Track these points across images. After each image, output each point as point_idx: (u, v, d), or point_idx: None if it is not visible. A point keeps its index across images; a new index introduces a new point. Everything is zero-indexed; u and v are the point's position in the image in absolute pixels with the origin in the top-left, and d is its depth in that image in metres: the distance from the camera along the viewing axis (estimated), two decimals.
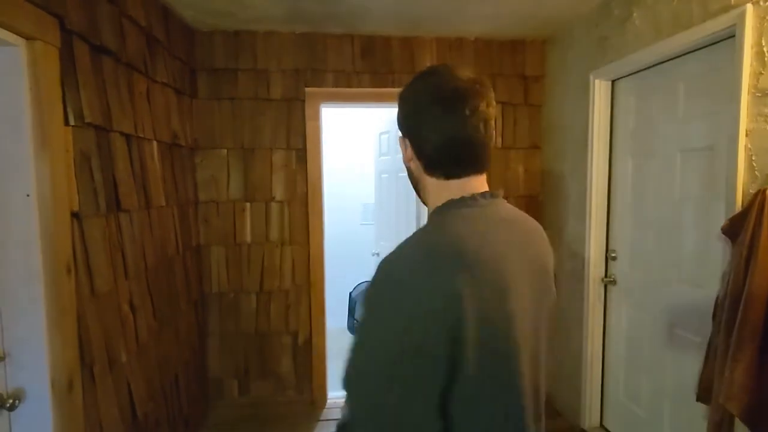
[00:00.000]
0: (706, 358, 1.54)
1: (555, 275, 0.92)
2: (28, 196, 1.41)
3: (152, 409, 2.11)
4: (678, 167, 2.04)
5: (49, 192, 1.43)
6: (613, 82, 2.47)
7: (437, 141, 0.82)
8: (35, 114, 1.40)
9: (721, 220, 1.59)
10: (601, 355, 2.59)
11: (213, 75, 2.84)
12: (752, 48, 1.56)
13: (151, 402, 2.09)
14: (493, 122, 0.85)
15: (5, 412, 1.39)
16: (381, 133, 3.78)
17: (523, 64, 3.07)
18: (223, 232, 2.93)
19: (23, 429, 1.43)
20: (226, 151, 2.90)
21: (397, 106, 0.89)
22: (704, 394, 1.53)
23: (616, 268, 2.50)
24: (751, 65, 1.57)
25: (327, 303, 3.11)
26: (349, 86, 2.96)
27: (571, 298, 2.71)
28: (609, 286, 2.55)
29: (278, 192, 2.96)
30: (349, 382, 0.73)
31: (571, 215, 2.76)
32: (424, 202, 0.92)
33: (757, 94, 1.55)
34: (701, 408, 1.65)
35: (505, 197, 0.92)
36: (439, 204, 0.84)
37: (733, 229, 1.45)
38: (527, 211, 0.95)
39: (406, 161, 0.89)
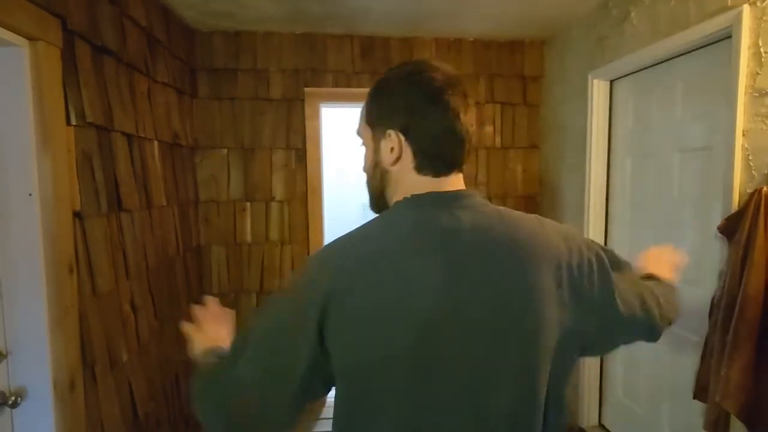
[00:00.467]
0: (703, 356, 1.56)
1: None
2: (30, 195, 1.41)
3: (153, 408, 2.12)
4: (676, 167, 2.05)
5: (51, 191, 1.44)
6: (611, 82, 2.49)
7: (437, 134, 0.78)
8: (37, 114, 1.41)
9: (718, 220, 1.61)
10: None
11: (213, 75, 2.85)
12: (749, 49, 1.57)
13: (152, 402, 2.10)
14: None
15: (7, 410, 1.40)
16: None
17: (522, 65, 3.08)
18: (223, 232, 2.94)
19: (25, 427, 1.44)
20: (226, 150, 2.91)
21: (375, 100, 0.83)
22: (701, 392, 1.55)
23: None
24: (747, 66, 1.58)
25: None
26: (349, 86, 2.97)
27: None
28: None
29: (278, 192, 2.97)
30: None
31: (570, 215, 2.77)
32: (383, 208, 0.87)
33: (754, 94, 1.56)
34: (699, 406, 1.66)
35: (504, 197, 0.92)
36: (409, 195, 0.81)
37: (729, 228, 1.47)
38: (526, 211, 0.90)
39: (387, 164, 0.81)
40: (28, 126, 1.39)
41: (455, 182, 0.82)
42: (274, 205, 2.98)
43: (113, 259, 1.79)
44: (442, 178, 0.81)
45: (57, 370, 1.46)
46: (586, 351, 0.86)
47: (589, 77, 2.50)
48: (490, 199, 0.91)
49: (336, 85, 2.96)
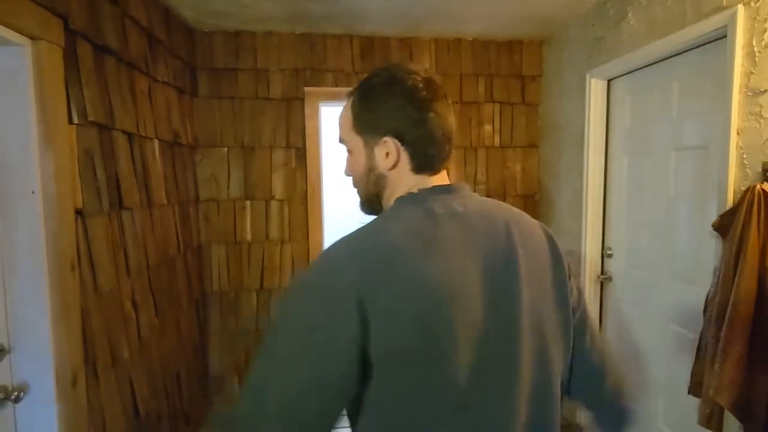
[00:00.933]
0: (698, 352, 1.57)
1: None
2: (32, 193, 1.43)
3: (154, 406, 2.13)
4: (672, 165, 2.07)
5: (53, 189, 1.46)
6: (608, 81, 2.50)
7: (431, 138, 0.82)
8: (39, 112, 1.42)
9: (714, 218, 1.62)
10: None
11: (213, 74, 2.86)
12: (743, 48, 1.59)
13: (152, 399, 2.12)
14: None
15: (10, 405, 1.42)
16: None
17: (521, 64, 3.10)
18: (223, 231, 2.96)
19: (27, 423, 1.45)
20: (226, 149, 2.93)
21: (363, 109, 0.84)
22: (696, 387, 1.57)
23: (612, 266, 2.54)
24: (742, 65, 1.60)
25: None
26: (349, 86, 2.96)
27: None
28: (605, 284, 2.58)
29: (278, 190, 2.99)
30: None
31: (568, 213, 2.79)
32: (379, 210, 0.89)
33: (749, 94, 1.58)
34: (694, 402, 1.67)
35: (503, 196, 0.94)
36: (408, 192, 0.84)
37: (723, 225, 1.48)
38: (525, 209, 0.93)
39: (384, 168, 0.83)
40: (31, 124, 1.41)
41: (444, 177, 0.87)
42: (274, 204, 3.00)
43: (114, 257, 1.81)
44: (436, 176, 0.86)
45: (59, 366, 1.48)
46: None
47: (587, 76, 2.52)
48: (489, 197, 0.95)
49: (335, 84, 2.98)
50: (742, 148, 1.60)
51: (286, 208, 3.01)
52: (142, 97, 2.10)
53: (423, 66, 0.87)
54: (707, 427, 1.48)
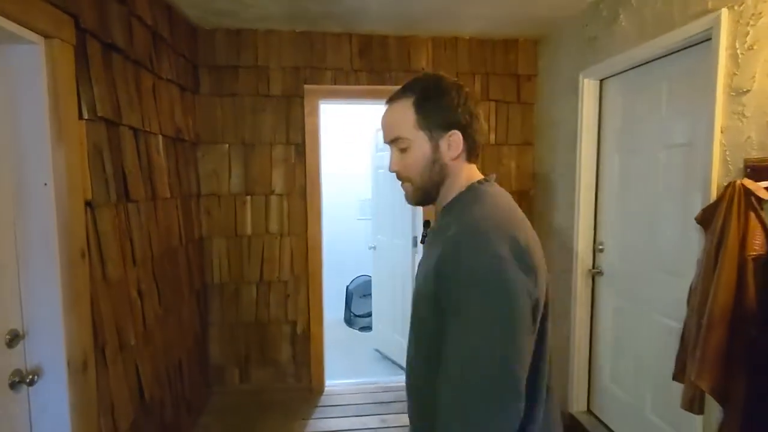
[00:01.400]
0: (682, 340, 1.65)
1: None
2: (45, 185, 1.49)
3: (158, 392, 2.20)
4: (661, 163, 2.14)
5: (65, 181, 1.52)
6: (601, 81, 2.57)
7: (481, 133, 0.99)
8: (52, 108, 1.48)
9: (698, 212, 1.69)
10: (589, 342, 2.70)
11: (215, 72, 2.92)
12: (727, 50, 1.66)
13: (156, 385, 2.18)
14: None
15: (25, 387, 1.48)
16: (378, 130, 3.86)
17: (516, 63, 3.17)
18: (224, 224, 3.02)
19: (41, 405, 1.52)
20: (227, 145, 2.99)
21: (430, 109, 0.95)
22: (680, 373, 1.64)
23: (603, 260, 2.61)
24: (726, 66, 1.67)
25: (325, 296, 3.21)
26: (347, 83, 3.05)
27: (560, 289, 2.81)
28: (596, 277, 2.65)
29: (278, 185, 3.05)
30: None
31: (561, 209, 2.87)
32: (435, 198, 1.01)
33: (732, 93, 1.65)
34: (679, 388, 1.75)
35: None
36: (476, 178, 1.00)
37: (706, 218, 1.56)
38: (519, 205, 1.00)
39: (449, 159, 0.96)
40: (44, 120, 1.47)
41: None
42: (273, 199, 3.06)
43: (121, 247, 1.87)
44: (475, 164, 1.03)
45: (71, 351, 1.55)
46: None
47: (581, 76, 2.59)
48: None
49: (335, 82, 3.04)
50: (725, 146, 1.68)
51: (285, 203, 3.08)
52: (147, 94, 2.16)
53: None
54: (689, 410, 1.55)
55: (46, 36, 1.46)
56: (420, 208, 3.23)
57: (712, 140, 1.71)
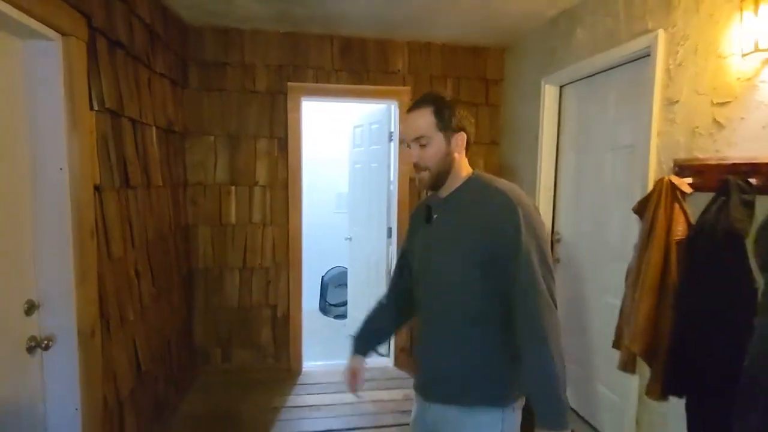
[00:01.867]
0: (621, 313, 1.92)
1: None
2: (61, 170, 1.64)
3: (152, 367, 2.35)
4: (608, 162, 2.43)
5: (78, 167, 1.67)
6: (561, 87, 2.85)
7: (473, 132, 1.32)
8: (68, 99, 1.63)
9: None
10: None
11: (203, 68, 3.07)
12: (662, 65, 1.94)
13: (151, 360, 2.34)
14: None
15: (40, 352, 1.63)
16: (355, 127, 4.06)
17: (485, 69, 3.43)
18: (209, 213, 3.17)
19: (55, 369, 1.67)
20: (213, 137, 3.14)
21: (448, 116, 1.25)
22: (618, 341, 1.92)
23: (560, 249, 2.89)
24: (661, 79, 1.95)
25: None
26: (328, 82, 3.24)
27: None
28: (554, 266, 2.93)
29: (261, 177, 3.22)
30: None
31: None
32: (444, 183, 1.30)
33: (665, 103, 1.93)
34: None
35: None
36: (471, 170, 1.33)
37: (640, 209, 1.83)
38: None
39: (452, 152, 1.26)
40: (61, 110, 1.62)
41: None
42: (257, 190, 3.23)
43: (122, 229, 2.02)
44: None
45: (81, 321, 1.70)
46: None
47: (542, 82, 2.86)
48: None
49: (316, 80, 3.23)
50: (659, 148, 1.96)
51: (268, 194, 3.25)
52: (144, 88, 2.30)
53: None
54: (624, 370, 1.83)
55: (63, 33, 1.61)
56: (394, 203, 3.45)
57: (649, 143, 1.99)
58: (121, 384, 1.99)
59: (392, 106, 3.42)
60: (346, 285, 4.64)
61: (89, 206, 1.74)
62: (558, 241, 2.89)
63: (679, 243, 1.67)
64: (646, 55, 2.08)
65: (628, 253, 2.14)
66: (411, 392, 2.98)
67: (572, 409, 2.72)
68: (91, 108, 1.76)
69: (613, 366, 2.22)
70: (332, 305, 5.00)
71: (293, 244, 3.30)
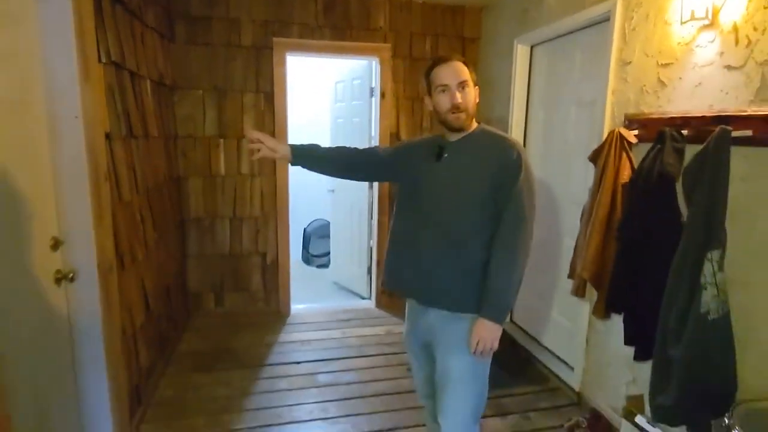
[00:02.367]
0: (575, 247, 2.22)
1: None
2: (76, 117, 1.79)
3: (156, 306, 2.57)
4: (573, 117, 2.68)
5: (90, 115, 1.82)
6: (532, 47, 3.06)
7: None
8: (80, 52, 1.76)
9: None
10: None
11: (189, 22, 3.14)
12: (619, 30, 2.16)
13: (156, 299, 2.55)
14: None
15: (65, 284, 1.82)
16: (337, 82, 4.20)
17: (462, 27, 3.59)
18: (199, 165, 3.32)
19: (79, 299, 1.87)
20: (201, 91, 3.25)
21: (470, 69, 1.51)
22: (572, 272, 2.23)
23: None
24: (617, 42, 2.18)
25: None
26: (312, 38, 3.36)
27: None
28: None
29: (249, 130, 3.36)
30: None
31: None
32: (469, 125, 1.55)
33: (620, 64, 2.17)
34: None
35: None
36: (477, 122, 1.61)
37: (595, 157, 2.10)
38: None
39: (476, 101, 1.54)
40: (74, 62, 1.75)
41: None
42: (245, 143, 3.38)
43: (129, 176, 2.19)
44: None
45: (100, 256, 1.89)
46: None
47: (515, 42, 3.06)
48: None
49: (301, 36, 3.34)
50: (614, 104, 2.22)
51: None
52: (138, 41, 2.41)
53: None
54: (576, 295, 2.14)
55: None
56: None
57: (606, 100, 2.24)
58: (135, 316, 2.21)
59: (373, 62, 3.57)
60: (327, 236, 4.89)
61: (102, 152, 1.90)
62: None
63: (624, 186, 1.95)
64: (606, 20, 2.29)
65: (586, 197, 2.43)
66: (392, 328, 3.34)
67: (533, 337, 3.09)
68: (100, 60, 1.89)
69: (568, 297, 2.56)
70: (315, 256, 5.26)
71: (280, 194, 3.50)
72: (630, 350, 1.89)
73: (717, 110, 1.64)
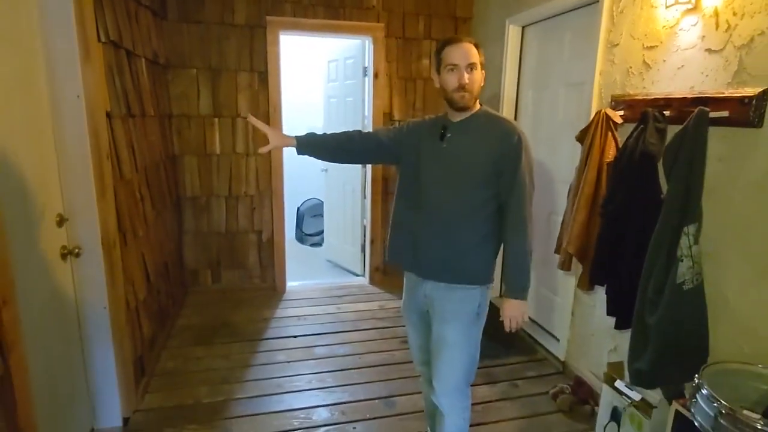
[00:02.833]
0: (562, 224, 2.32)
1: None
2: (78, 97, 1.82)
3: (156, 281, 2.64)
4: (562, 97, 2.75)
5: (92, 95, 1.85)
6: (523, 27, 3.10)
7: None
8: (80, 32, 1.78)
9: None
10: None
11: None
12: (607, 12, 2.22)
13: (156, 275, 2.62)
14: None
15: (70, 259, 1.88)
16: (330, 61, 4.21)
17: (455, 7, 3.62)
18: (194, 144, 3.36)
19: (84, 274, 1.93)
20: (195, 70, 3.26)
21: (481, 55, 1.58)
22: (558, 247, 2.33)
23: None
24: (605, 24, 2.24)
25: None
26: (305, 17, 3.37)
27: None
28: None
29: (243, 109, 3.40)
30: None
31: None
32: (472, 105, 1.60)
33: (608, 46, 2.23)
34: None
35: None
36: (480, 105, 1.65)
37: (582, 137, 2.18)
38: None
39: (481, 83, 1.59)
40: (74, 42, 1.78)
41: None
42: (239, 122, 3.42)
43: (128, 154, 2.23)
44: None
45: (103, 232, 1.95)
46: None
47: (507, 22, 3.10)
48: None
49: (294, 15, 3.35)
50: (601, 85, 2.29)
51: (250, 126, 3.44)
52: (133, 20, 2.42)
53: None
54: (561, 269, 2.25)
55: None
56: None
57: (593, 81, 2.31)
58: (138, 291, 2.28)
59: (366, 42, 3.59)
60: (320, 216, 4.96)
61: (104, 131, 1.94)
62: None
63: (609, 164, 2.04)
64: (595, 1, 2.35)
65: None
66: (385, 303, 3.44)
67: None
68: (99, 40, 1.91)
69: (555, 272, 2.67)
70: (308, 235, 5.33)
71: (275, 173, 3.55)
72: (612, 321, 2.00)
73: (697, 92, 1.72)
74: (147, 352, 2.43)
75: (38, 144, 1.71)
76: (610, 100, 2.20)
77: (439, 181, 1.59)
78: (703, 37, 1.71)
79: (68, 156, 1.85)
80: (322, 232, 4.95)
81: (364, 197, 3.91)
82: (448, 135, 1.60)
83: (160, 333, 2.73)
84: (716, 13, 1.65)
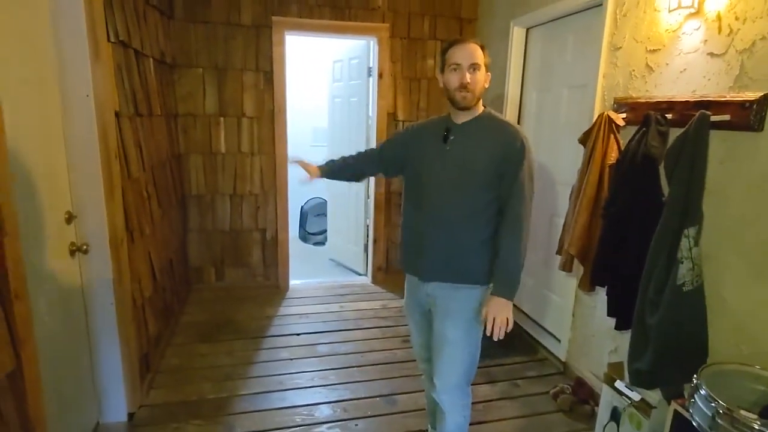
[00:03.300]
0: (564, 225, 2.34)
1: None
2: (87, 96, 1.85)
3: (161, 278, 2.67)
4: (565, 99, 2.76)
5: (101, 94, 1.88)
6: (527, 29, 3.12)
7: None
8: (90, 32, 1.81)
9: None
10: None
11: None
12: (611, 15, 2.24)
13: (161, 272, 2.65)
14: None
15: (79, 255, 1.91)
16: (335, 61, 4.23)
17: (460, 8, 3.64)
18: (200, 143, 3.39)
19: (91, 270, 1.96)
20: (201, 70, 3.29)
21: (487, 56, 1.59)
22: (560, 249, 2.35)
23: None
24: (609, 27, 2.25)
25: None
26: (311, 17, 3.39)
27: None
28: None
29: (248, 109, 3.43)
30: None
31: None
32: (475, 106, 1.62)
33: (611, 49, 2.25)
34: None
35: None
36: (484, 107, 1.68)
37: (584, 139, 2.19)
38: None
39: (485, 84, 1.61)
40: (85, 41, 1.80)
41: None
42: (245, 121, 3.44)
43: (136, 153, 2.26)
44: None
45: (111, 230, 1.98)
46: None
47: (511, 24, 3.12)
48: None
49: (300, 15, 3.38)
50: (604, 87, 2.30)
51: (255, 125, 3.47)
52: (141, 19, 2.45)
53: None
54: (563, 270, 2.27)
55: None
56: (373, 136, 3.72)
57: (596, 83, 2.33)
58: (144, 288, 2.31)
59: (371, 42, 3.61)
60: (324, 215, 4.98)
61: (112, 130, 1.97)
62: None
63: (611, 166, 2.06)
64: (599, 5, 2.36)
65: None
66: (387, 302, 3.46)
67: (525, 313, 3.23)
68: (109, 39, 1.94)
69: (556, 273, 2.68)
70: (311, 234, 5.36)
71: (279, 172, 3.57)
72: (612, 321, 2.02)
73: (699, 95, 1.73)
74: (152, 348, 2.46)
75: (49, 142, 1.74)
76: (612, 103, 2.21)
77: (442, 182, 1.60)
78: (706, 41, 1.72)
79: (77, 154, 1.88)
80: (325, 231, 4.98)
81: (368, 197, 3.94)
82: (452, 137, 1.61)
83: (165, 330, 2.76)
84: (719, 18, 1.67)
